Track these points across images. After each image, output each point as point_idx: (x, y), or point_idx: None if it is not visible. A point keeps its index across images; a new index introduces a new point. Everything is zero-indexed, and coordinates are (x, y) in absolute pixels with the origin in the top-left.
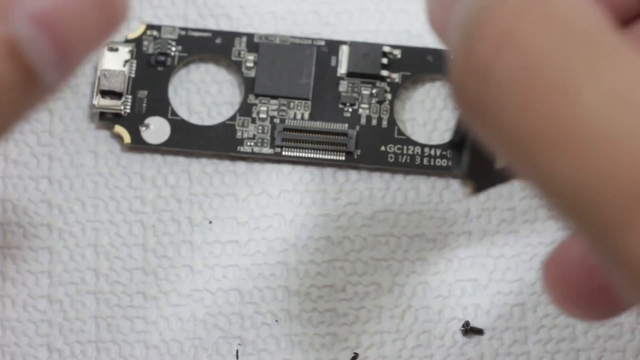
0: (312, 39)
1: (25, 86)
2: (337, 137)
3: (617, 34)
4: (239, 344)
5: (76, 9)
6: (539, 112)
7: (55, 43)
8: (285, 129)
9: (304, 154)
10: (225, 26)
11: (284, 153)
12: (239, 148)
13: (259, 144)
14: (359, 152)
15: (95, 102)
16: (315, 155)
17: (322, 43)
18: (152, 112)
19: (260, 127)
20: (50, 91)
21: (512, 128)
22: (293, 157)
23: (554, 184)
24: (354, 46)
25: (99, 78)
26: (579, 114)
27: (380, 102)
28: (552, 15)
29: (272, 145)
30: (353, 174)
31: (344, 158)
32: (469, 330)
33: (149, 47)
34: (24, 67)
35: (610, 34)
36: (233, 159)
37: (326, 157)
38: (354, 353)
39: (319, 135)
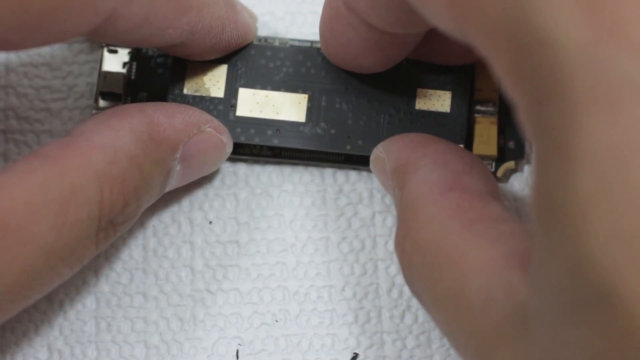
0: (312, 42)
1: (163, 183)
2: None
3: None
4: (239, 344)
5: (208, 151)
6: None
7: (183, 169)
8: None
9: (303, 154)
10: None
11: (283, 153)
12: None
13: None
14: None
15: (97, 103)
16: (315, 154)
17: None
18: None
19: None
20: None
21: None
22: (292, 154)
23: None
24: None
25: (99, 79)
26: None
27: None
28: None
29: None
30: (353, 174)
31: (343, 157)
32: None
33: (149, 50)
34: (166, 175)
35: None
36: (233, 160)
37: (326, 156)
38: (354, 353)
39: None
